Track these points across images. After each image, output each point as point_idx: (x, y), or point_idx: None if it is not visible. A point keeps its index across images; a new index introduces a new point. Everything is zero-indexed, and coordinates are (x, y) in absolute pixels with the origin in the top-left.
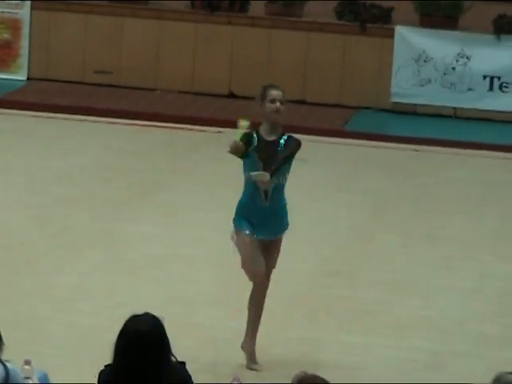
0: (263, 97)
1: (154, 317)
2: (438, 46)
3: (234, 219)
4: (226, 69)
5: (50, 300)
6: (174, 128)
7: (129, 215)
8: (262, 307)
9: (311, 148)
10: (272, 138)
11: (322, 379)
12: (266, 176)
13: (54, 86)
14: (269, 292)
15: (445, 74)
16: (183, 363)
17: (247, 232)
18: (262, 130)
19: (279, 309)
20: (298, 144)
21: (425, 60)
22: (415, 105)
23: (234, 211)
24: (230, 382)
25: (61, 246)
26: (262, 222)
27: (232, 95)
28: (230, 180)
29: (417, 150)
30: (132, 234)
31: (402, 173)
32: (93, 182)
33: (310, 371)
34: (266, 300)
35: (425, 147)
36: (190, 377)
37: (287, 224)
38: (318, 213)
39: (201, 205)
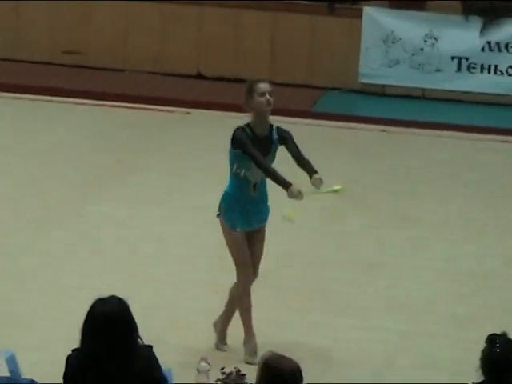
0: (251, 91)
1: (119, 299)
2: (406, 26)
3: (223, 210)
4: (194, 49)
5: (15, 280)
6: (143, 109)
7: (97, 195)
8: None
9: None
10: (265, 133)
11: (289, 359)
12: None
13: (21, 67)
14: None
15: (413, 54)
16: (150, 346)
17: (239, 230)
18: (253, 124)
19: None
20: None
21: (393, 41)
22: (383, 85)
23: (220, 201)
24: (198, 362)
25: (27, 227)
26: (251, 211)
27: (200, 76)
28: (198, 161)
29: (385, 131)
30: (100, 215)
31: (370, 154)
32: (60, 162)
33: (277, 351)
34: (232, 281)
35: (393, 128)
36: (157, 360)
37: (268, 210)
38: (285, 194)
39: (169, 185)
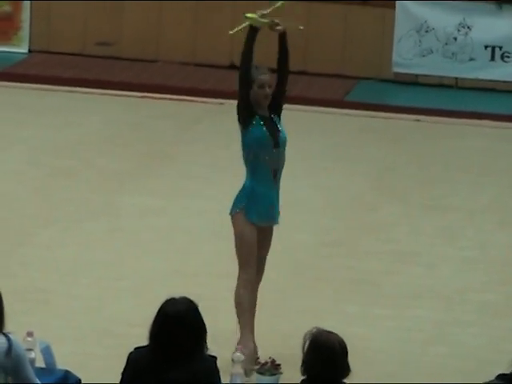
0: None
1: (190, 300)
2: (439, 16)
3: (245, 207)
4: (227, 40)
5: (51, 272)
6: (176, 99)
7: (131, 187)
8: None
9: (312, 119)
10: (267, 113)
11: (335, 333)
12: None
13: (55, 59)
14: (270, 262)
15: (446, 44)
16: (214, 357)
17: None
18: (255, 106)
19: (280, 279)
20: None
21: (426, 30)
22: (417, 75)
23: (237, 197)
24: (233, 352)
25: (62, 218)
26: (270, 206)
27: (233, 66)
28: (232, 152)
29: (418, 120)
30: (134, 206)
31: (403, 143)
32: (95, 154)
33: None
34: (268, 270)
35: (426, 117)
36: (218, 371)
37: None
38: (319, 183)
39: (204, 177)
